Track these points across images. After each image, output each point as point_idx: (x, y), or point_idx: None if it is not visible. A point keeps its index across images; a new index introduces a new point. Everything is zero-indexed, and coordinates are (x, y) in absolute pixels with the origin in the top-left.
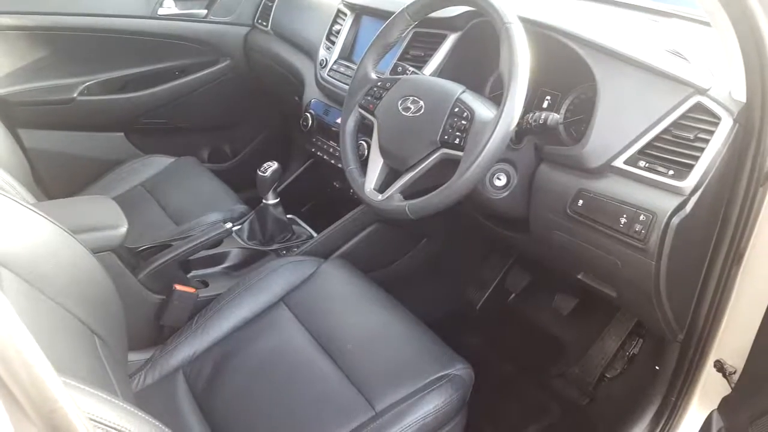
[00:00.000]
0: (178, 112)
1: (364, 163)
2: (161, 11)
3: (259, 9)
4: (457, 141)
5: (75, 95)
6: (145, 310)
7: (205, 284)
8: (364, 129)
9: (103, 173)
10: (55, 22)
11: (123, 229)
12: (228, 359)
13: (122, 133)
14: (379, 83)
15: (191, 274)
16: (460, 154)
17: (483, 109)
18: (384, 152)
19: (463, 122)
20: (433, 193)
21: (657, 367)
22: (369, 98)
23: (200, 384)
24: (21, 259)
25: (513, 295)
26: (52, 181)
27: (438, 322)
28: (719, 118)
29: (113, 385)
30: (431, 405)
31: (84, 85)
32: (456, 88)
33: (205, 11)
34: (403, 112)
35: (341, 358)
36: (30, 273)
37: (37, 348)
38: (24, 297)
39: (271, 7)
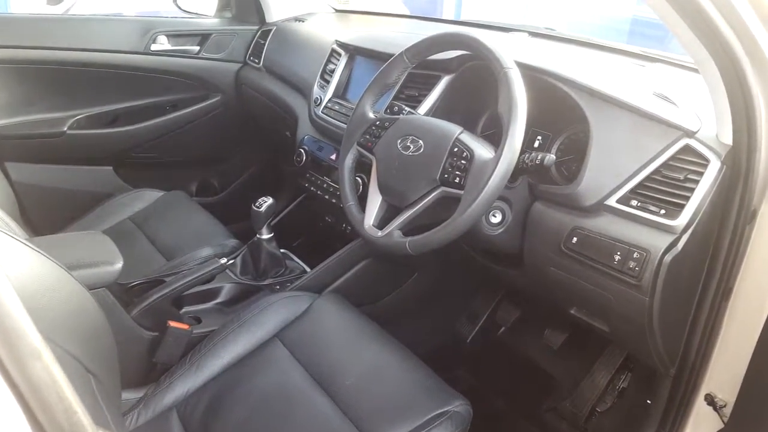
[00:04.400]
0: (167, 147)
1: (360, 198)
2: (154, 47)
3: (251, 47)
4: (457, 180)
5: (65, 129)
6: (138, 348)
7: (198, 320)
8: (360, 166)
9: (90, 207)
10: (47, 56)
11: (118, 265)
12: (223, 397)
13: (111, 167)
14: (377, 122)
15: (183, 310)
16: (461, 192)
17: (482, 150)
18: (383, 189)
19: (463, 162)
20: (434, 230)
21: (648, 401)
22: (368, 137)
23: (195, 423)
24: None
25: (503, 328)
26: (39, 215)
27: (428, 355)
28: (708, 160)
29: (111, 426)
30: None
31: (74, 119)
32: (454, 129)
33: (198, 48)
34: (403, 151)
35: (338, 395)
36: (25, 309)
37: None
38: None
39: (263, 45)
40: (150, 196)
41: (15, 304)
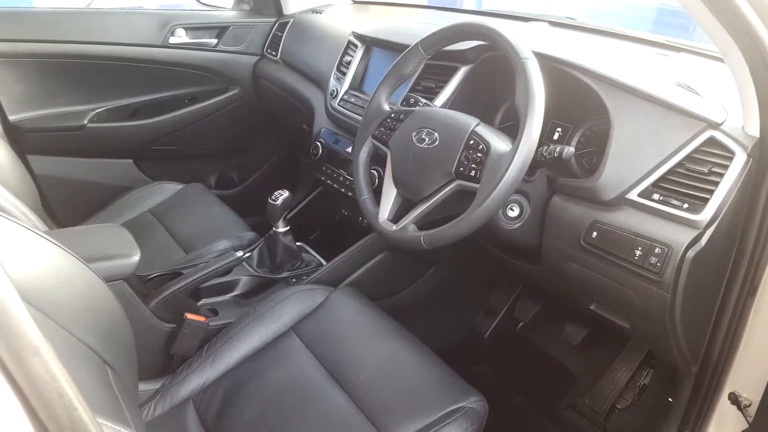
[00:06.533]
0: (186, 139)
1: (375, 191)
2: (172, 40)
3: (269, 39)
4: (472, 173)
5: (85, 122)
6: (155, 340)
7: (215, 313)
8: (376, 159)
9: (111, 200)
10: (67, 49)
11: (136, 257)
12: (239, 389)
13: (131, 160)
14: (392, 115)
15: (201, 302)
16: (476, 185)
17: (498, 142)
18: (398, 182)
19: (479, 155)
20: (449, 224)
21: (670, 399)
22: (383, 129)
23: (210, 415)
24: (34, 288)
25: (521, 323)
26: (60, 208)
27: (446, 350)
28: (733, 153)
29: (126, 417)
30: None
31: (94, 112)
32: (470, 121)
33: (216, 40)
34: (418, 144)
35: (353, 389)
36: (43, 301)
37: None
38: (38, 326)
39: (281, 37)
40: (169, 188)
41: (14, 300)
